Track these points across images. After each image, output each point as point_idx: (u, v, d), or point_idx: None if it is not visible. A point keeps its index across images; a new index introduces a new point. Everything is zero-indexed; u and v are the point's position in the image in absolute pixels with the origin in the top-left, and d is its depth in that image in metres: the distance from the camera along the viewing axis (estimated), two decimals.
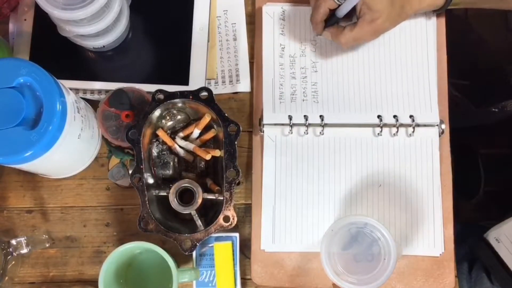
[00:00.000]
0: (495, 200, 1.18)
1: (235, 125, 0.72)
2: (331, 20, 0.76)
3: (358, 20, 0.73)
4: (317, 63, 0.82)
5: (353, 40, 0.74)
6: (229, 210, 0.71)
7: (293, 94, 0.81)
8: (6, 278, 0.74)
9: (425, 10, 0.78)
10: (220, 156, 0.74)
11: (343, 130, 0.79)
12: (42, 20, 0.80)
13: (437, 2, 0.76)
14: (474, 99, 1.03)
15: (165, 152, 0.76)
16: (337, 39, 0.75)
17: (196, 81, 0.81)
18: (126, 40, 0.83)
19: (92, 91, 0.82)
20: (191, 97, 0.73)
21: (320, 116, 0.79)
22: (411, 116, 0.79)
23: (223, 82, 0.83)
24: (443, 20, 0.83)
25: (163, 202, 0.74)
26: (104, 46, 0.80)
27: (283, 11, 0.83)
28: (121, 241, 0.79)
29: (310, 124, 0.79)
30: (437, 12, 0.80)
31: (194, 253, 0.76)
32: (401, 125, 0.79)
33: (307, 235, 0.78)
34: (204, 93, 0.73)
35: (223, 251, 0.75)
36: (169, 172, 0.76)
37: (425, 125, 0.79)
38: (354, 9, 0.73)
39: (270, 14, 0.83)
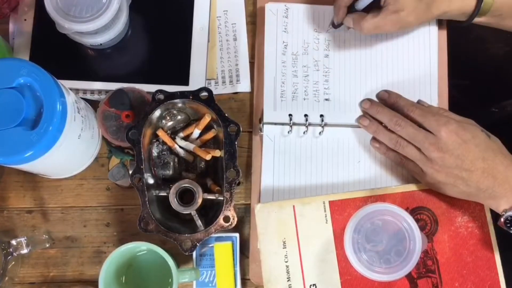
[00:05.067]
0: None
1: (235, 125, 0.72)
2: (351, 11, 0.76)
3: (382, 8, 0.73)
4: (319, 62, 0.82)
5: (375, 27, 0.73)
6: (229, 210, 0.71)
7: (294, 93, 0.81)
8: (6, 278, 0.74)
9: (453, 15, 0.76)
10: (220, 156, 0.74)
11: (342, 130, 0.79)
12: (42, 20, 0.80)
13: (466, 7, 0.73)
14: (474, 99, 1.03)
15: (165, 152, 0.76)
16: (358, 25, 0.74)
17: (196, 81, 0.81)
18: (126, 39, 0.83)
19: (92, 91, 0.82)
20: (191, 97, 0.73)
21: (321, 115, 0.79)
22: None
23: (223, 82, 0.83)
24: (444, 21, 0.83)
25: (163, 202, 0.74)
26: (101, 44, 0.80)
27: (286, 8, 0.83)
28: (121, 241, 0.79)
29: (310, 124, 0.79)
30: (463, 25, 0.77)
31: (194, 253, 0.76)
32: None
33: None
34: (204, 93, 0.73)
35: (223, 251, 0.75)
36: (169, 172, 0.76)
37: None
38: (375, 2, 0.73)
39: (273, 11, 0.83)
